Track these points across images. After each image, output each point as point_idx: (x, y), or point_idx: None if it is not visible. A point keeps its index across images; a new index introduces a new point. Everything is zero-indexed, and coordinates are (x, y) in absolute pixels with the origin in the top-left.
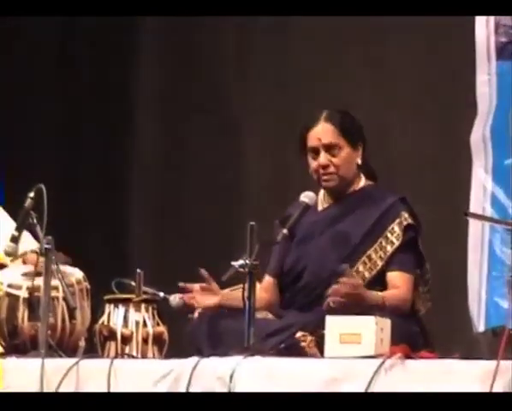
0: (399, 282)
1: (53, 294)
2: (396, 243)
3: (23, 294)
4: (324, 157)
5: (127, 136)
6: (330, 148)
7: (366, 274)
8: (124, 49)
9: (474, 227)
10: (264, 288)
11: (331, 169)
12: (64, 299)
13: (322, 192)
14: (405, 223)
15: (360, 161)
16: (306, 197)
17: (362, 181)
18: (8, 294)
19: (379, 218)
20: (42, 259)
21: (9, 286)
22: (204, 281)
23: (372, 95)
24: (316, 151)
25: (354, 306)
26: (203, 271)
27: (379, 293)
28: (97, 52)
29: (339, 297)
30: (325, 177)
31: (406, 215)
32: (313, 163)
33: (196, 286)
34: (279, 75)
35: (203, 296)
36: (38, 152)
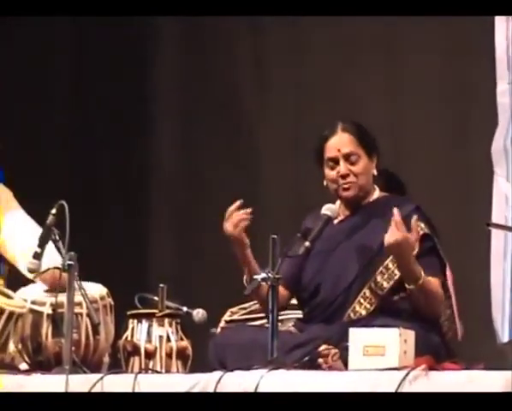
0: (432, 286)
1: (77, 310)
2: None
3: (47, 310)
4: (344, 167)
5: (145, 147)
6: (349, 158)
7: (385, 284)
8: (139, 55)
9: (497, 237)
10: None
11: (351, 178)
12: (88, 315)
13: (337, 204)
14: (421, 233)
15: (375, 172)
16: (327, 210)
17: (376, 193)
18: (32, 311)
19: None
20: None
21: (33, 302)
22: None
23: (389, 102)
24: (335, 161)
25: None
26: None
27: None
28: (111, 60)
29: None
30: (345, 186)
31: (422, 225)
32: (331, 174)
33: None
34: (296, 78)
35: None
36: (54, 166)
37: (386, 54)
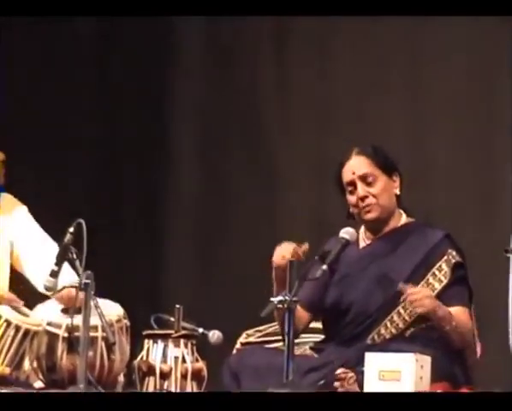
0: (462, 316)
1: (92, 333)
2: (445, 281)
3: (62, 333)
4: (361, 189)
5: (164, 160)
6: (365, 179)
7: (413, 311)
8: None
9: None
10: (297, 317)
11: (370, 199)
12: (103, 338)
13: (362, 228)
14: (453, 261)
15: (398, 191)
16: (346, 233)
17: (403, 218)
18: (48, 332)
19: (426, 256)
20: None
21: (49, 324)
22: None
23: (413, 122)
24: (353, 185)
25: (428, 312)
26: None
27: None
28: (134, 71)
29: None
30: (366, 209)
31: (453, 253)
32: (352, 198)
33: None
34: (319, 93)
35: None
36: (72, 180)
37: (409, 70)
